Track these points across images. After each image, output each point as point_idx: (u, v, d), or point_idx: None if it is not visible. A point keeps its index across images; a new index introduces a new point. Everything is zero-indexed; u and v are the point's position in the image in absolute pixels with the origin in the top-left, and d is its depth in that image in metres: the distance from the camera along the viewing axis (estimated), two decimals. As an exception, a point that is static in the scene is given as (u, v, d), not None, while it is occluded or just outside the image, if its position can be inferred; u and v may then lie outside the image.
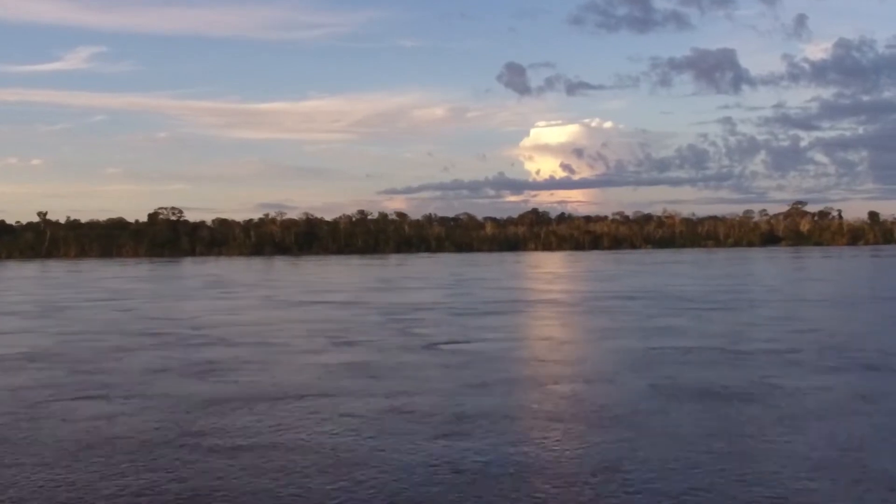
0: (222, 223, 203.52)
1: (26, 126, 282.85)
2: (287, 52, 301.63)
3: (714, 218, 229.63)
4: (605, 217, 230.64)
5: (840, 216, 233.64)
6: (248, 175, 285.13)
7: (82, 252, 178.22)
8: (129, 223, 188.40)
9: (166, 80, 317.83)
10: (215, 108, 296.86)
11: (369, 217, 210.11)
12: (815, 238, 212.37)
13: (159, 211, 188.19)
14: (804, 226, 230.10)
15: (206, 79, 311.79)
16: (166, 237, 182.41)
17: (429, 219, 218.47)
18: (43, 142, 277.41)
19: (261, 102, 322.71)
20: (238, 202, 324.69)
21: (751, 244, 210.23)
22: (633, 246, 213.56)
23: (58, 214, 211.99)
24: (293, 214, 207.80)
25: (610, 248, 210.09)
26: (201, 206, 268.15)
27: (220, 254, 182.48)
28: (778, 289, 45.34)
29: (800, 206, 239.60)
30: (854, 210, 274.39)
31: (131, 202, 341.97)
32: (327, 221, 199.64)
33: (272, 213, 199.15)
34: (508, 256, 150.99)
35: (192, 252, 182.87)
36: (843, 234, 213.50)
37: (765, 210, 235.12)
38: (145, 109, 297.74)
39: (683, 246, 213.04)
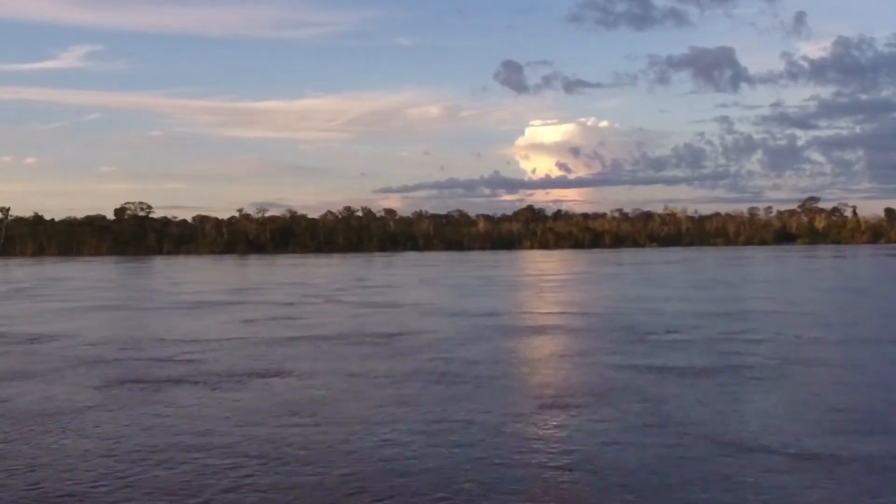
0: (202, 220, 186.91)
1: (21, 124, 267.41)
2: (283, 51, 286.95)
3: (720, 215, 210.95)
4: (604, 214, 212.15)
5: (855, 213, 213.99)
6: (243, 174, 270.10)
7: (40, 250, 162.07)
8: (95, 220, 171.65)
9: (161, 78, 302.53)
10: (210, 106, 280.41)
11: (356, 214, 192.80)
12: (833, 236, 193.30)
13: (126, 206, 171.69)
14: (819, 223, 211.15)
15: (202, 77, 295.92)
16: (132, 234, 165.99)
17: (419, 215, 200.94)
18: (38, 140, 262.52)
19: (256, 101, 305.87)
20: (233, 201, 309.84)
21: (763, 242, 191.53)
22: (637, 244, 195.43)
23: (51, 213, 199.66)
24: (277, 212, 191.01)
25: (611, 246, 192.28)
26: (197, 205, 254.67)
27: (189, 252, 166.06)
28: (815, 309, 27.89)
29: (812, 202, 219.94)
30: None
31: (126, 201, 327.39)
32: (307, 218, 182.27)
33: (246, 209, 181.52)
34: (495, 255, 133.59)
35: (159, 250, 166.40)
36: (863, 231, 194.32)
37: (770, 207, 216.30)
38: (140, 108, 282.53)
39: (690, 244, 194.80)
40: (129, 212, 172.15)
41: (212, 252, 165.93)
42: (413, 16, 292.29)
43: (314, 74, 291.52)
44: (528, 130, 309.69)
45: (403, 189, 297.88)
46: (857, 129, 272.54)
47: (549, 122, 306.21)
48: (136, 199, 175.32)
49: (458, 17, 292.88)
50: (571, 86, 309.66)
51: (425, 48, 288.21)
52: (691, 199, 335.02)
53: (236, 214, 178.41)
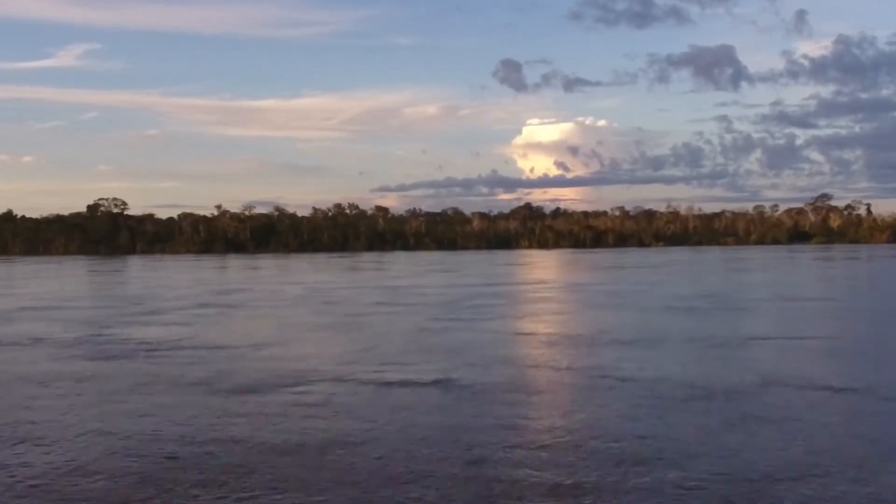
0: (184, 217, 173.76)
1: (18, 123, 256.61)
2: (280, 50, 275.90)
3: (728, 212, 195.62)
4: (605, 212, 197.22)
5: (869, 211, 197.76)
6: (240, 173, 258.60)
7: (4, 249, 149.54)
8: (67, 217, 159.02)
9: (159, 77, 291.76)
10: (208, 105, 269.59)
11: (344, 211, 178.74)
12: (851, 235, 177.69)
13: (99, 203, 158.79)
14: (834, 221, 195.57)
15: (199, 76, 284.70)
16: (104, 232, 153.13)
17: (413, 213, 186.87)
18: (35, 139, 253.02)
19: (254, 100, 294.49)
20: (230, 200, 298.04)
21: (776, 241, 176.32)
22: (642, 243, 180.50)
23: (48, 213, 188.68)
24: (265, 209, 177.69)
25: (615, 245, 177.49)
26: (194, 205, 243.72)
27: (164, 251, 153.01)
28: (890, 377, 13.97)
29: (824, 199, 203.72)
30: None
31: (121, 199, 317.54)
32: (290, 216, 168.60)
33: (226, 205, 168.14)
34: (481, 256, 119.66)
35: (132, 249, 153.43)
36: (882, 230, 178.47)
37: (776, 205, 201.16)
38: (137, 106, 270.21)
39: (699, 243, 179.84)
40: (102, 208, 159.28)
41: (188, 251, 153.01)
42: (411, 14, 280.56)
43: (312, 73, 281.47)
44: (525, 129, 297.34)
45: (401, 188, 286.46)
46: (857, 129, 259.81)
47: (546, 121, 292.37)
48: (132, 198, 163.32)
49: (457, 15, 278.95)
50: (571, 84, 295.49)
51: (423, 47, 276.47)
52: (689, 199, 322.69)
53: (215, 212, 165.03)
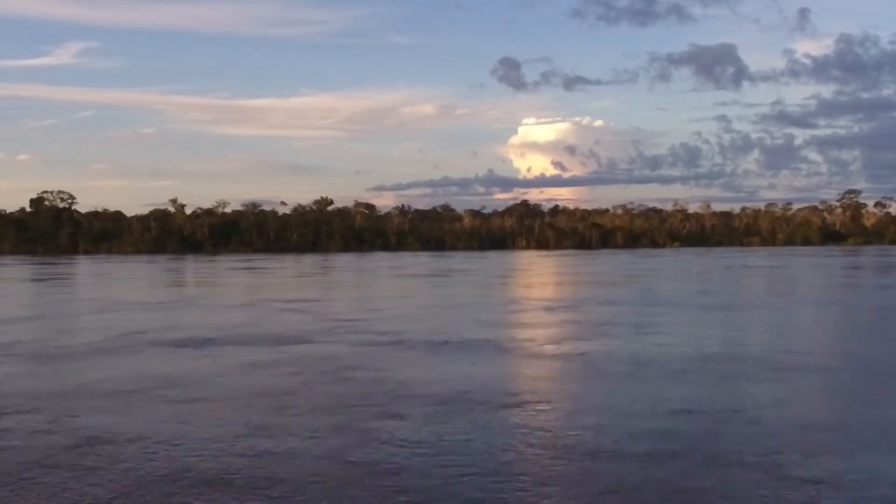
0: (141, 215, 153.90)
1: (14, 121, 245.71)
2: (277, 48, 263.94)
3: (747, 210, 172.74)
4: (606, 211, 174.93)
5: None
6: (236, 171, 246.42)
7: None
8: (5, 213, 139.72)
9: (155, 75, 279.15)
10: (204, 103, 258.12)
11: (329, 209, 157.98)
12: (890, 235, 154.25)
13: (44, 196, 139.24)
14: (868, 220, 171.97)
15: (196, 74, 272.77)
16: (44, 229, 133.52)
17: (400, 211, 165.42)
18: (31, 137, 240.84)
19: (250, 98, 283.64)
20: (226, 199, 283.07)
21: (807, 242, 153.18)
22: (655, 243, 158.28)
23: None
24: (240, 206, 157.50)
25: (624, 245, 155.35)
26: (190, 204, 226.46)
27: (111, 251, 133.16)
28: None
29: (852, 195, 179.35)
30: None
31: (119, 198, 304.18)
32: (255, 213, 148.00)
33: (180, 201, 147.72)
34: (457, 258, 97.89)
35: (74, 249, 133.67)
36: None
37: (790, 204, 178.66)
38: (134, 105, 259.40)
39: (719, 244, 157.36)
40: (47, 202, 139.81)
41: (137, 251, 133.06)
42: (409, 13, 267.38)
43: (308, 72, 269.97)
44: (520, 129, 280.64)
45: (397, 187, 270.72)
46: (856, 129, 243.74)
47: (542, 120, 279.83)
48: (128, 196, 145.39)
49: (456, 13, 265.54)
50: (571, 83, 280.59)
51: (421, 46, 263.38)
52: (686, 199, 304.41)
53: (170, 207, 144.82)
